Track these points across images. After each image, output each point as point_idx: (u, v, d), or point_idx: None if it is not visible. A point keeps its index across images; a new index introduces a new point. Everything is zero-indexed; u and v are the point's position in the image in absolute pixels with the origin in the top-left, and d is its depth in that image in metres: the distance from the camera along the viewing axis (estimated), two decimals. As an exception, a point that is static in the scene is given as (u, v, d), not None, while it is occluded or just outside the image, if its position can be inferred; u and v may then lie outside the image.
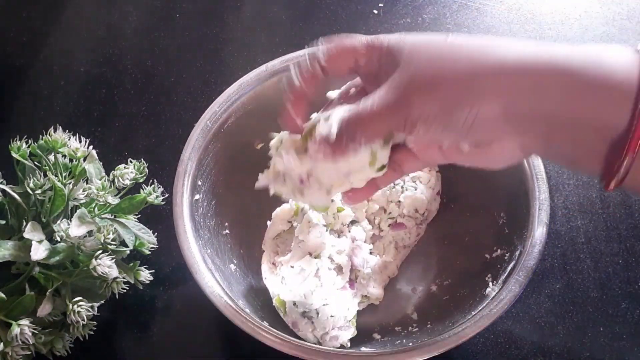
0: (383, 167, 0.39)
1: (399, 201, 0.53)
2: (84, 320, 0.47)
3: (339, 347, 0.48)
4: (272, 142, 0.42)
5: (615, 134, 0.31)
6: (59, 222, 0.49)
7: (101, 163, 0.54)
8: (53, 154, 0.51)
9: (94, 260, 0.47)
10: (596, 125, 0.32)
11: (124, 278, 0.49)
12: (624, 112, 0.31)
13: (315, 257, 0.49)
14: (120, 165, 0.52)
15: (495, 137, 0.35)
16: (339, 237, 0.52)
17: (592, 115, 0.32)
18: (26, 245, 0.47)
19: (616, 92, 0.31)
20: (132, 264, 0.51)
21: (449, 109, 0.34)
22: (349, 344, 0.49)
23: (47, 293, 0.47)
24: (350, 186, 0.40)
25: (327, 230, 0.51)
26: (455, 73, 0.34)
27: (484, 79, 0.33)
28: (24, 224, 0.49)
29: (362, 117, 0.36)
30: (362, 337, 0.50)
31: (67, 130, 0.52)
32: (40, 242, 0.46)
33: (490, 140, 0.35)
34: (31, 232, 0.47)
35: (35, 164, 0.51)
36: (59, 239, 0.48)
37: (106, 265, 0.47)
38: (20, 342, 0.45)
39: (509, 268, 0.46)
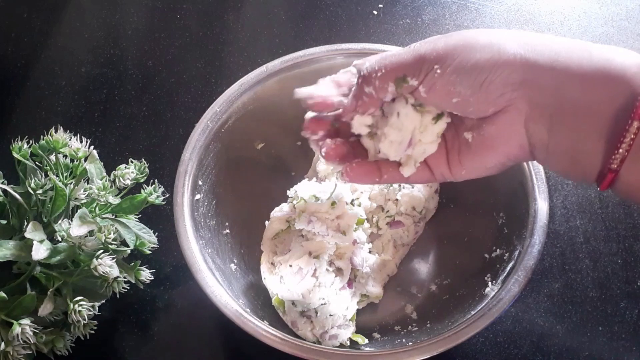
0: (440, 115, 0.39)
1: (397, 199, 0.54)
2: (84, 319, 0.47)
3: (338, 346, 0.49)
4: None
5: (623, 106, 0.32)
6: (60, 222, 0.49)
7: (102, 163, 0.54)
8: (54, 154, 0.52)
9: (95, 259, 0.47)
10: (606, 106, 0.33)
11: (124, 278, 0.49)
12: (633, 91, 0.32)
13: (314, 257, 0.50)
14: (121, 165, 0.52)
15: (504, 101, 0.35)
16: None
17: (607, 101, 0.33)
18: (27, 245, 0.47)
19: (627, 83, 0.32)
20: (132, 264, 0.51)
21: (469, 58, 0.35)
22: (348, 343, 0.49)
23: (48, 292, 0.47)
24: (423, 152, 0.40)
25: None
26: (492, 39, 0.35)
27: (517, 50, 0.34)
28: (25, 223, 0.49)
29: (381, 58, 0.37)
30: (361, 336, 0.50)
31: (68, 131, 0.52)
32: (41, 241, 0.47)
33: (497, 105, 0.35)
34: (32, 231, 0.47)
35: (36, 164, 0.52)
36: (60, 238, 0.48)
37: (107, 265, 0.47)
38: (21, 342, 0.45)
39: (508, 268, 0.46)
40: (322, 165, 0.54)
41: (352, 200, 0.53)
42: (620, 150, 0.32)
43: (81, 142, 0.52)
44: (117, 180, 0.51)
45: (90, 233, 0.48)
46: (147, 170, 0.53)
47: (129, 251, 0.52)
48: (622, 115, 0.32)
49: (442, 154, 0.40)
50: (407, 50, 0.37)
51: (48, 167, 0.51)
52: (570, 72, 0.33)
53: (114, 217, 0.52)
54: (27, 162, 0.51)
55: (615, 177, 0.33)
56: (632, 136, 0.32)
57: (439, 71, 0.35)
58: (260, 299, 0.50)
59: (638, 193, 0.34)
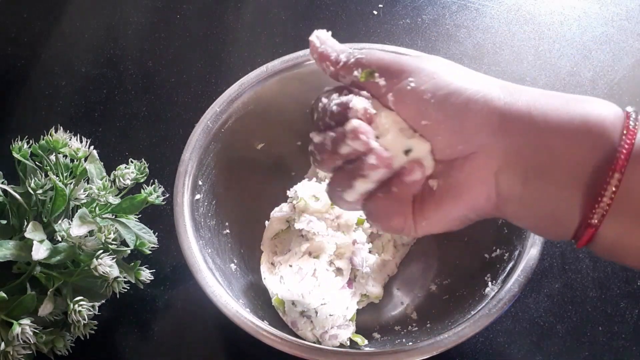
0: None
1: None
2: (84, 319, 0.47)
3: (338, 346, 0.49)
4: None
5: (602, 158, 0.31)
6: (60, 222, 0.49)
7: (102, 163, 0.54)
8: (54, 154, 0.52)
9: (95, 259, 0.47)
10: (586, 158, 0.32)
11: (124, 277, 0.49)
12: (614, 141, 0.31)
13: (314, 257, 0.50)
14: (121, 165, 0.52)
15: (476, 143, 0.33)
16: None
17: (586, 152, 0.32)
18: (27, 245, 0.47)
19: (605, 134, 0.31)
20: (132, 264, 0.51)
21: (449, 81, 0.33)
22: (348, 343, 0.49)
23: (48, 292, 0.47)
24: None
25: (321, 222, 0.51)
26: (475, 76, 0.34)
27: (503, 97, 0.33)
28: (25, 223, 0.49)
29: (369, 50, 0.36)
30: (361, 336, 0.50)
31: (68, 131, 0.52)
32: (41, 241, 0.47)
33: (468, 144, 0.34)
34: (32, 231, 0.47)
35: (36, 164, 0.52)
36: (60, 238, 0.48)
37: (107, 265, 0.47)
38: (21, 342, 0.45)
39: (508, 268, 0.46)
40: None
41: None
42: (602, 204, 0.31)
43: (81, 142, 0.52)
44: (117, 180, 0.51)
45: (90, 233, 0.48)
46: (147, 170, 0.53)
47: (129, 251, 0.52)
48: (602, 168, 0.31)
49: (409, 205, 0.37)
50: (392, 55, 0.36)
51: (48, 167, 0.51)
52: (548, 121, 0.32)
53: (114, 217, 0.52)
54: (27, 162, 0.51)
55: (595, 233, 0.32)
56: (614, 189, 0.30)
57: (412, 84, 0.33)
58: (260, 299, 0.50)
59: (619, 251, 0.33)
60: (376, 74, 0.35)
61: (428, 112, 0.34)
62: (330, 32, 0.38)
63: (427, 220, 0.36)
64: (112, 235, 0.48)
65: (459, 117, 0.33)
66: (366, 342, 0.50)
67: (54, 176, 0.49)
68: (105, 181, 0.50)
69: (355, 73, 0.36)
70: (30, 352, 0.47)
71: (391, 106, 0.35)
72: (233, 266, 0.52)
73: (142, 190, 0.52)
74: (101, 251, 0.48)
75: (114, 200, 0.50)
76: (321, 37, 0.38)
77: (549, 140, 0.32)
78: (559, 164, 0.32)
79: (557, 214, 0.33)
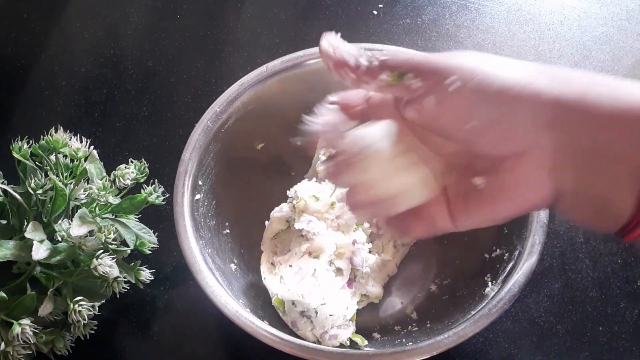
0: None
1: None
2: (84, 319, 0.47)
3: (338, 346, 0.49)
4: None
5: None
6: (60, 222, 0.49)
7: (102, 163, 0.54)
8: (54, 154, 0.52)
9: (95, 259, 0.47)
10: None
11: (124, 278, 0.49)
12: None
13: (314, 257, 0.50)
14: (121, 165, 0.52)
15: (526, 143, 0.31)
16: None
17: None
18: (27, 245, 0.47)
19: None
20: (132, 264, 0.51)
21: (493, 79, 0.31)
22: (348, 343, 0.49)
23: (48, 292, 0.47)
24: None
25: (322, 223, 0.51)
26: (519, 66, 0.32)
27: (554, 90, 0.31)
28: (25, 223, 0.49)
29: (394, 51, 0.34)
30: (361, 336, 0.50)
31: (68, 131, 0.52)
32: (41, 241, 0.47)
33: (517, 145, 0.32)
34: (32, 231, 0.47)
35: (36, 164, 0.52)
36: (60, 238, 0.48)
37: (107, 265, 0.47)
38: (21, 342, 0.45)
39: (508, 268, 0.46)
40: (322, 166, 0.55)
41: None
42: None
43: (81, 142, 0.52)
44: (117, 180, 0.51)
45: (90, 233, 0.48)
46: (147, 170, 0.53)
47: (129, 251, 0.52)
48: None
49: (442, 205, 0.35)
50: (420, 53, 0.34)
51: (48, 167, 0.51)
52: (602, 112, 0.30)
53: (114, 217, 0.52)
54: (27, 162, 0.51)
55: None
56: None
57: (458, 83, 0.31)
58: (260, 299, 0.50)
59: None
60: (409, 75, 0.33)
61: (476, 114, 0.31)
62: (339, 34, 0.35)
63: (471, 218, 0.34)
64: (112, 235, 0.48)
65: (508, 115, 0.31)
66: (366, 342, 0.50)
67: (54, 176, 0.49)
68: (105, 181, 0.50)
69: (382, 77, 0.33)
70: (30, 352, 0.47)
71: (432, 108, 0.33)
72: (233, 266, 0.52)
73: (142, 190, 0.52)
74: (101, 251, 0.48)
75: (114, 200, 0.50)
76: (333, 42, 0.34)
77: (604, 132, 0.30)
78: (616, 156, 0.30)
79: (610, 208, 0.31)
